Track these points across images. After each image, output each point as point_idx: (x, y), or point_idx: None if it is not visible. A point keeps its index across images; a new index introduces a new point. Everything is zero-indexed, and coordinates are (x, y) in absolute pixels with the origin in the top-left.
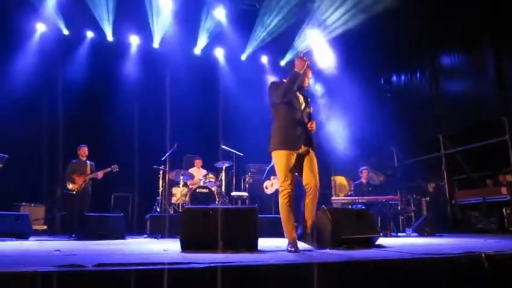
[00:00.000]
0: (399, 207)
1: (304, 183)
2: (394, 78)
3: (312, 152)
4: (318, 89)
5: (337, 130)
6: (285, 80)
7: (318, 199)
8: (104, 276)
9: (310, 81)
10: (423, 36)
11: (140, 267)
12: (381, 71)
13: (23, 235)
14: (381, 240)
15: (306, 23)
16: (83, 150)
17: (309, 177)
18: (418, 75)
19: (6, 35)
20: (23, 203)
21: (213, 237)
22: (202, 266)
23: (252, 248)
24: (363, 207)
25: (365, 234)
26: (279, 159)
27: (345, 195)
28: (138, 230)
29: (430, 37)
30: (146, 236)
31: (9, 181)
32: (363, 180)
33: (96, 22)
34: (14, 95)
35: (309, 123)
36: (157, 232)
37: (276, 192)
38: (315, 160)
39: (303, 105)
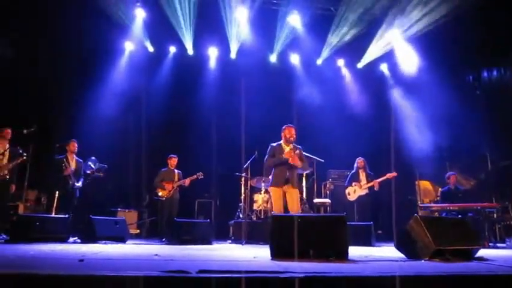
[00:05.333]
0: (495, 215)
1: None
2: (485, 74)
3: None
4: (397, 92)
5: (420, 132)
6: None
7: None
8: (207, 283)
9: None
10: None
11: (242, 275)
12: (469, 68)
13: (121, 239)
14: (479, 252)
15: (384, 22)
16: (173, 160)
17: None
18: None
19: (99, 55)
20: (119, 209)
21: (302, 246)
22: (300, 275)
23: (343, 257)
24: (457, 215)
25: (463, 246)
26: None
27: (430, 201)
28: (220, 235)
29: None
30: (230, 241)
31: (107, 188)
32: (452, 186)
33: (178, 37)
34: (109, 110)
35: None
36: (239, 238)
37: (359, 198)
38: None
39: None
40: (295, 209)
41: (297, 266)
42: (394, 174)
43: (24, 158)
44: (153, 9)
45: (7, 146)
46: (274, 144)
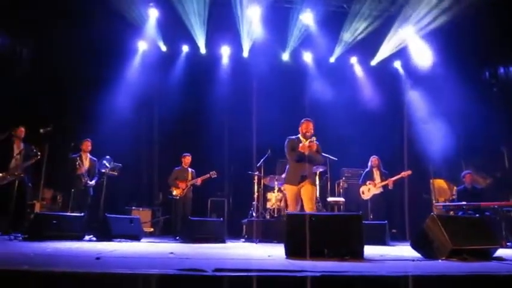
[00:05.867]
0: None
1: None
2: (501, 70)
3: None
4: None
5: (434, 130)
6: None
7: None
8: (223, 281)
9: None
10: None
11: (258, 274)
12: (486, 64)
13: (136, 237)
14: (497, 252)
15: (398, 19)
16: (187, 159)
17: None
18: None
19: (114, 55)
20: (133, 207)
21: (317, 244)
22: (316, 274)
23: (358, 256)
24: (474, 214)
25: (481, 245)
26: None
27: (445, 200)
28: (233, 234)
29: None
30: (243, 240)
31: (121, 187)
32: (468, 184)
33: (191, 37)
34: (123, 109)
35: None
36: (253, 236)
37: (373, 197)
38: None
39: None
40: (309, 206)
41: (312, 265)
42: (409, 172)
43: (38, 156)
44: (166, 8)
45: (22, 145)
46: (292, 137)
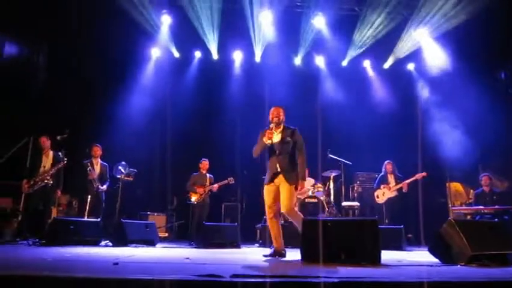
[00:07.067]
0: None
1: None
2: None
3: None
4: (425, 92)
5: (450, 132)
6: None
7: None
8: (241, 287)
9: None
10: None
11: (276, 279)
12: (501, 65)
13: (151, 242)
14: None
15: (411, 21)
16: (204, 164)
17: None
18: None
19: (128, 62)
20: (148, 212)
21: (333, 250)
22: (334, 280)
23: (375, 261)
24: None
25: (501, 250)
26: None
27: (462, 204)
28: (247, 239)
29: None
30: (258, 245)
31: (136, 192)
32: (485, 188)
33: (203, 42)
34: (137, 116)
35: None
36: (267, 241)
37: (388, 201)
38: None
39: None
40: (285, 206)
41: (329, 271)
42: (423, 174)
43: (65, 162)
44: (178, 15)
45: (50, 152)
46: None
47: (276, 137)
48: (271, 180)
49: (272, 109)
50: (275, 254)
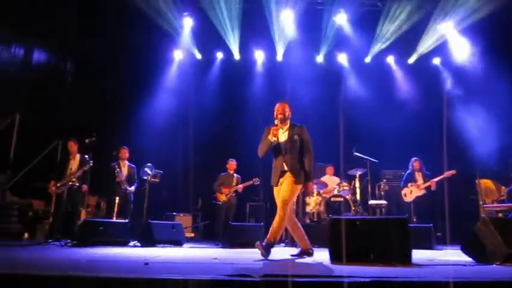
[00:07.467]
0: None
1: None
2: None
3: None
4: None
5: (478, 129)
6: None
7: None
8: (272, 286)
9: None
10: None
11: (308, 279)
12: None
13: (178, 242)
14: None
15: (435, 15)
16: (231, 165)
17: None
18: None
19: (151, 65)
20: (174, 213)
21: (362, 249)
22: (366, 280)
23: (406, 261)
24: None
25: None
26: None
27: (493, 201)
28: None
29: None
30: (284, 244)
31: (162, 193)
32: None
33: (224, 43)
34: (161, 118)
35: None
36: (293, 241)
37: (416, 199)
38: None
39: None
40: (282, 196)
41: (359, 270)
42: (453, 172)
43: (91, 165)
44: (200, 17)
45: (77, 155)
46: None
47: (282, 135)
48: (278, 182)
49: (277, 105)
50: (302, 253)
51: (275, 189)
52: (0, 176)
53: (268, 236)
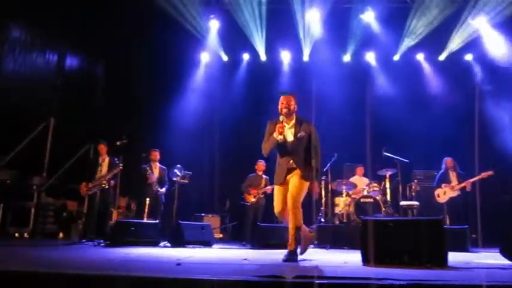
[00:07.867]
0: None
1: None
2: None
3: None
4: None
5: None
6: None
7: None
8: None
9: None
10: None
11: (342, 281)
12: None
13: (208, 243)
14: None
15: (467, 9)
16: (260, 166)
17: None
18: None
19: (179, 67)
20: (203, 214)
21: (396, 251)
22: (402, 282)
23: (442, 263)
24: None
25: None
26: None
27: None
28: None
29: None
30: (313, 246)
31: (191, 194)
32: None
33: (250, 44)
34: (189, 120)
35: None
36: (323, 242)
37: (450, 200)
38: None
39: None
40: (293, 197)
41: (395, 273)
42: (490, 173)
43: (121, 167)
44: (226, 19)
45: (106, 158)
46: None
47: (289, 132)
48: (284, 179)
49: (281, 98)
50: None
51: (278, 188)
52: (36, 178)
53: (292, 239)
